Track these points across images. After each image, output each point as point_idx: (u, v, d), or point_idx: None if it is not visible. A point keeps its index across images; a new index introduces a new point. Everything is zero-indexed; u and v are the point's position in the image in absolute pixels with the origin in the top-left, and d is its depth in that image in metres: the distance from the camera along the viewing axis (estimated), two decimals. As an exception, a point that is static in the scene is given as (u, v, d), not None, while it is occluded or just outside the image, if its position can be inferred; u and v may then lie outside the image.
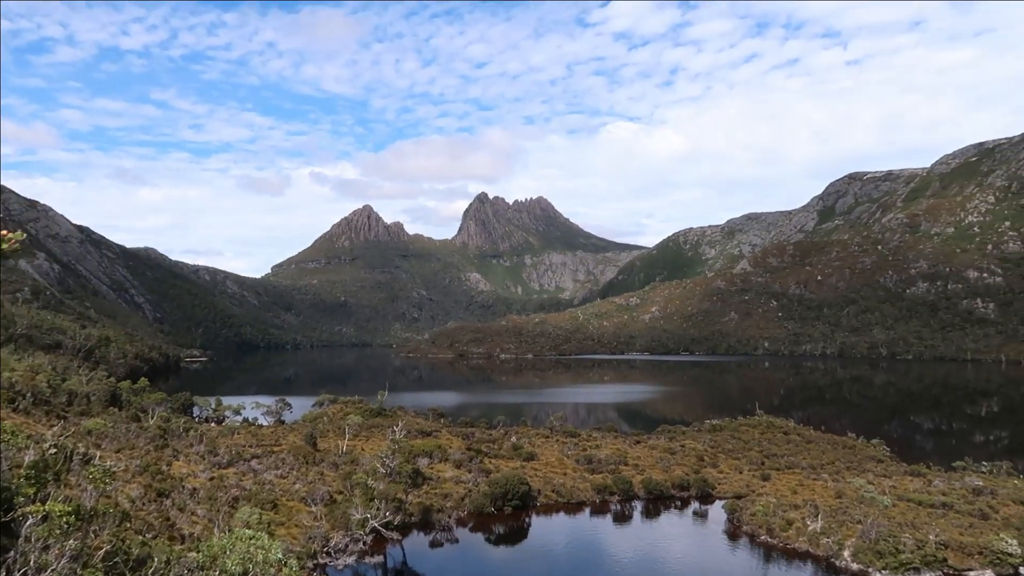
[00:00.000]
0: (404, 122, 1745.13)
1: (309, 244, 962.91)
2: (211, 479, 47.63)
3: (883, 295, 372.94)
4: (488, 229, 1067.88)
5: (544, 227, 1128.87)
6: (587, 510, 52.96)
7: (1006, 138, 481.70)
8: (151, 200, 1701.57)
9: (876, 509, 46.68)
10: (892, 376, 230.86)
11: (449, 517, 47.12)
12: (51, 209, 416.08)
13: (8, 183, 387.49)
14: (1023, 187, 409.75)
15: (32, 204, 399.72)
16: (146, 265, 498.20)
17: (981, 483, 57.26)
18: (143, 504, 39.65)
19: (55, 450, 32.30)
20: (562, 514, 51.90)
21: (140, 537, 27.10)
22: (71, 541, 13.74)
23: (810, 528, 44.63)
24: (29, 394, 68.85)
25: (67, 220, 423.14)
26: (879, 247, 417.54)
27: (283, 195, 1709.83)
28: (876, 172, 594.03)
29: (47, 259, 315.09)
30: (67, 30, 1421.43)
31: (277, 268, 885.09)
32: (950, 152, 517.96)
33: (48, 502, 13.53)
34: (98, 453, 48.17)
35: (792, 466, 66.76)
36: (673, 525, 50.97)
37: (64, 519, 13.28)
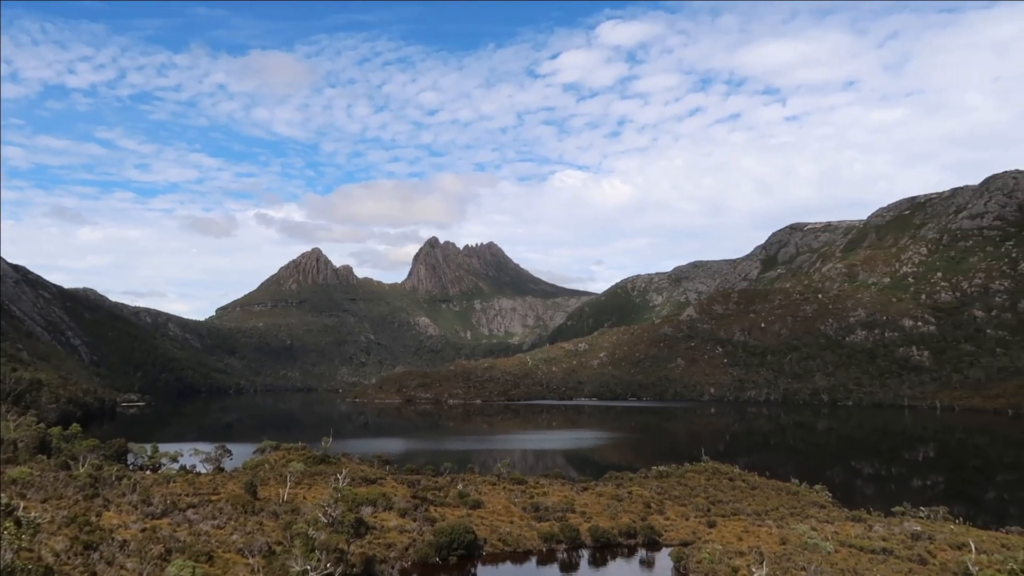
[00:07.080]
0: (355, 166, 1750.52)
1: (255, 287, 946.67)
2: (143, 530, 45.63)
3: (824, 342, 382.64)
4: (438, 274, 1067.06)
5: (494, 272, 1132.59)
6: (534, 559, 52.21)
7: (936, 193, 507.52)
8: (92, 240, 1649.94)
9: (819, 555, 47.20)
10: (834, 422, 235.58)
11: (393, 568, 45.96)
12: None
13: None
14: (953, 240, 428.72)
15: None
16: (84, 306, 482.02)
17: (919, 528, 58.45)
18: (68, 558, 37.74)
19: (-26, 501, 30.71)
20: (508, 563, 51.04)
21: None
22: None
23: (755, 575, 44.76)
24: (-50, 441, 65.39)
25: (2, 259, 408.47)
26: (819, 295, 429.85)
27: (229, 237, 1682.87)
28: (816, 223, 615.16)
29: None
30: (11, 67, 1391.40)
31: (222, 311, 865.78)
32: (885, 205, 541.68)
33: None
34: (22, 504, 45.86)
35: (737, 512, 67.14)
36: (620, 573, 50.60)
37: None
